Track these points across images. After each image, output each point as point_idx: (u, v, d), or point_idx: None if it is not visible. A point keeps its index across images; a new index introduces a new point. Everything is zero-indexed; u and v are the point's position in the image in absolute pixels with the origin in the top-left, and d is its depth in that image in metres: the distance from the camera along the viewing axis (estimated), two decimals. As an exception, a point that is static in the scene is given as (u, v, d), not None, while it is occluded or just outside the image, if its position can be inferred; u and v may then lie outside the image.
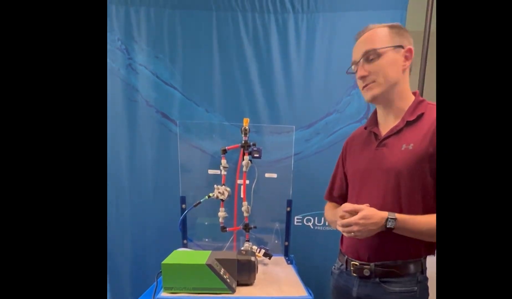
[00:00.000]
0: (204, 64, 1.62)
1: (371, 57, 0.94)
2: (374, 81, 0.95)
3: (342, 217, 0.93)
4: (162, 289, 1.07)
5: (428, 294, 0.98)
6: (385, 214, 0.89)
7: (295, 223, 1.69)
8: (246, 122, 1.38)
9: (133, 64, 1.61)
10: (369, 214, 0.89)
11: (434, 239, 0.89)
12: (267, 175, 1.51)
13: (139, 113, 1.63)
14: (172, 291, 1.07)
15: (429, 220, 0.89)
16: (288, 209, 1.49)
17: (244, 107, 1.65)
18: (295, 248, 1.54)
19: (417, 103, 0.96)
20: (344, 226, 0.92)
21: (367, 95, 0.98)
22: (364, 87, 0.98)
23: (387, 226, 0.89)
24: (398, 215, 0.89)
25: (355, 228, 0.90)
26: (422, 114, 0.94)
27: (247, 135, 1.38)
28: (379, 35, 0.94)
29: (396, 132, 0.97)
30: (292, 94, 1.65)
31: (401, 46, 0.93)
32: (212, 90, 1.64)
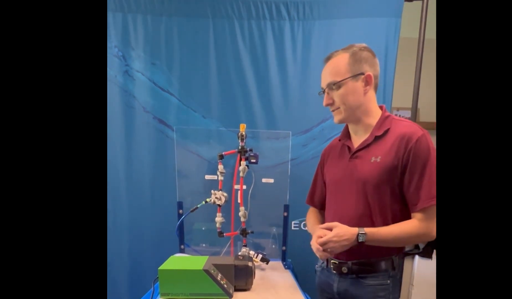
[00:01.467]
0: (201, 70, 1.63)
1: (333, 87, 1.05)
2: (338, 108, 1.07)
3: (320, 237, 1.02)
4: (159, 295, 1.07)
5: (399, 287, 1.10)
6: (355, 230, 0.99)
7: (292, 228, 1.69)
8: (242, 128, 1.38)
9: (130, 71, 1.62)
10: (341, 232, 0.99)
11: (399, 245, 1.05)
12: (264, 180, 1.52)
13: (136, 119, 1.64)
14: (169, 297, 1.06)
15: (392, 231, 1.00)
16: (285, 214, 1.49)
17: (241, 113, 1.66)
18: (293, 253, 1.54)
19: (384, 119, 1.06)
20: (321, 244, 1.00)
21: (335, 118, 1.11)
22: (332, 111, 1.11)
23: (359, 241, 0.98)
24: (367, 230, 0.99)
25: (330, 244, 0.99)
26: (388, 129, 1.04)
27: (244, 141, 1.39)
28: (340, 65, 1.04)
29: (366, 146, 1.07)
30: (288, 100, 1.66)
31: (360, 74, 1.03)
32: (209, 96, 1.65)
